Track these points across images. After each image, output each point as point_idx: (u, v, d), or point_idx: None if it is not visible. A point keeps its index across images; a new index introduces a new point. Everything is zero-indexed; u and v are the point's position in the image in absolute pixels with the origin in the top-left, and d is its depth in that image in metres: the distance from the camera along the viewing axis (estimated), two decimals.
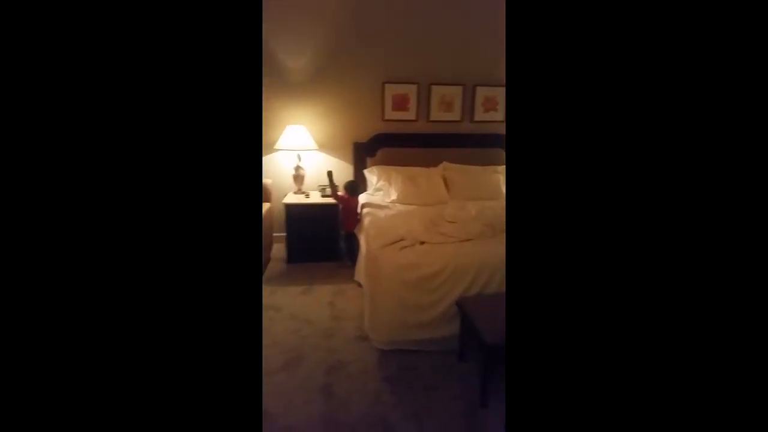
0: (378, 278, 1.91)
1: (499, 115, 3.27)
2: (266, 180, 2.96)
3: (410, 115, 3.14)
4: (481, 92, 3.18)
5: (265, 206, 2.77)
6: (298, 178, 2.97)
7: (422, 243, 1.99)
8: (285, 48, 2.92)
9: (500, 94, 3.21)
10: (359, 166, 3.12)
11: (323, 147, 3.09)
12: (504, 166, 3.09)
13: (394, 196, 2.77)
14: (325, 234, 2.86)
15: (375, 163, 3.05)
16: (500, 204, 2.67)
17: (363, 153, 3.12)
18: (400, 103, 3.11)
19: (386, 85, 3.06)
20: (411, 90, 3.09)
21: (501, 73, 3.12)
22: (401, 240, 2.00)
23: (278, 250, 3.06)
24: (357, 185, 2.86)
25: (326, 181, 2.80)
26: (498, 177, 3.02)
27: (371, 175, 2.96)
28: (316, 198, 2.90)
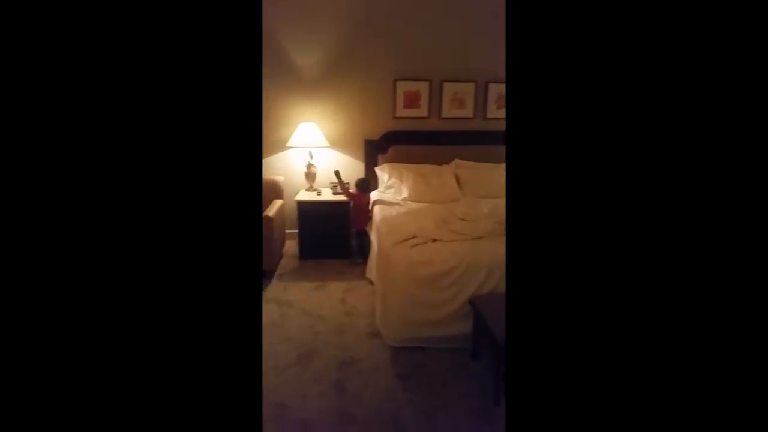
0: (390, 275, 1.92)
1: None
2: (278, 177, 2.98)
3: (422, 112, 3.13)
4: (494, 89, 3.15)
5: (278, 203, 2.80)
6: (310, 175, 2.99)
7: (434, 240, 1.99)
8: (297, 46, 2.93)
9: None
10: (370, 163, 3.13)
11: (334, 144, 3.10)
12: None
13: (405, 193, 2.77)
14: (337, 231, 2.87)
15: (386, 161, 3.05)
16: None
17: (374, 150, 3.12)
18: (412, 101, 3.10)
19: (398, 82, 3.05)
20: (423, 87, 3.08)
21: None
22: (413, 237, 2.00)
23: (290, 246, 3.09)
24: (368, 182, 2.86)
25: (339, 172, 2.81)
26: None
27: (382, 173, 2.96)
28: (327, 195, 2.91)
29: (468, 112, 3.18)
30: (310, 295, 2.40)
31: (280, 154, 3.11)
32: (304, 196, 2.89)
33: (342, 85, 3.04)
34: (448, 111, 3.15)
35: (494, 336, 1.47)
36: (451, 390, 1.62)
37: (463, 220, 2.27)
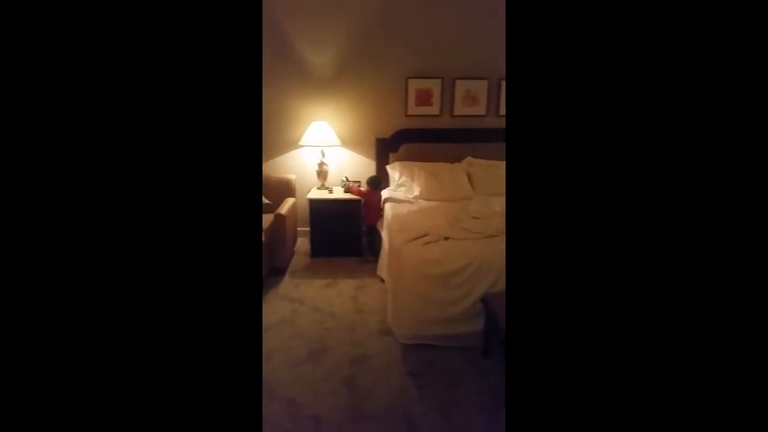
0: (401, 273, 1.92)
1: None
2: (291, 175, 3.01)
3: (434, 110, 3.11)
4: None
5: (290, 201, 2.83)
6: (322, 173, 3.01)
7: (446, 239, 1.98)
8: (310, 45, 2.95)
9: None
10: (381, 162, 3.13)
11: (346, 143, 3.11)
12: None
13: (416, 191, 2.76)
14: (348, 229, 2.88)
15: (397, 159, 3.05)
16: None
17: (385, 149, 3.12)
18: (424, 98, 3.09)
19: (409, 80, 3.04)
20: (435, 85, 3.06)
21: None
22: (425, 235, 2.00)
23: (302, 243, 3.12)
24: (379, 180, 2.87)
25: (349, 178, 2.83)
26: None
27: (393, 171, 2.96)
28: (339, 193, 2.93)
29: (480, 109, 3.15)
30: (321, 292, 2.41)
31: (292, 152, 3.13)
32: (316, 194, 2.91)
33: (354, 83, 3.05)
34: (460, 108, 3.13)
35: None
36: (463, 388, 1.61)
37: (476, 218, 2.25)
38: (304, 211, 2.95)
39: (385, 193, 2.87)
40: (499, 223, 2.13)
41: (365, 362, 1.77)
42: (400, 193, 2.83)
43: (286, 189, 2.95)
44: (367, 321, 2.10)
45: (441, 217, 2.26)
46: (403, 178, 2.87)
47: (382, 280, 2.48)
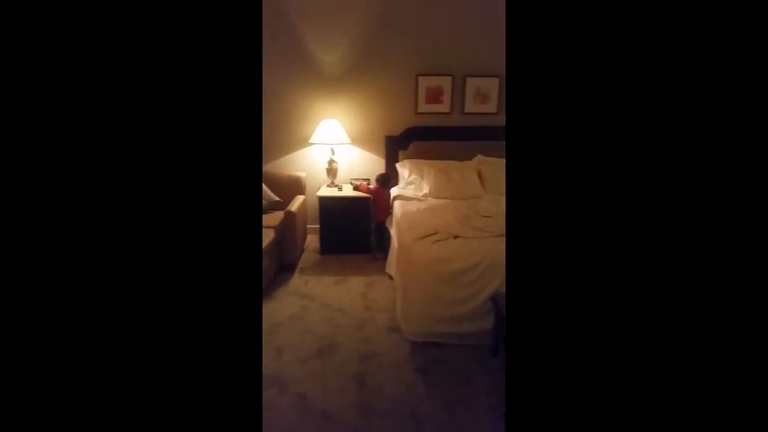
0: (411, 271, 1.92)
1: None
2: (301, 173, 3.04)
3: (444, 107, 3.10)
4: None
5: (300, 199, 2.85)
6: (331, 171, 3.03)
7: (456, 237, 1.98)
8: (320, 43, 2.97)
9: None
10: (391, 159, 3.13)
11: (356, 141, 3.12)
12: None
13: (426, 189, 2.76)
14: (357, 227, 2.90)
15: (407, 157, 3.05)
16: None
17: (395, 147, 3.12)
18: (434, 96, 3.07)
19: (420, 78, 3.03)
20: (445, 82, 3.05)
21: None
22: (434, 233, 2.00)
23: (312, 241, 3.15)
24: (389, 177, 2.87)
25: (358, 176, 2.84)
26: None
27: (403, 169, 2.96)
28: (348, 191, 2.94)
29: (491, 107, 3.13)
30: (330, 289, 2.43)
31: (302, 150, 3.16)
32: (326, 191, 2.93)
33: (364, 81, 3.05)
34: (471, 106, 3.11)
35: None
36: (471, 386, 1.61)
37: (486, 216, 2.24)
38: (314, 208, 2.97)
39: (394, 191, 2.87)
40: None
41: (374, 359, 1.79)
42: (409, 191, 2.83)
43: (296, 186, 2.97)
44: (376, 318, 2.11)
45: (450, 216, 2.26)
46: (413, 176, 2.87)
47: (391, 278, 2.49)
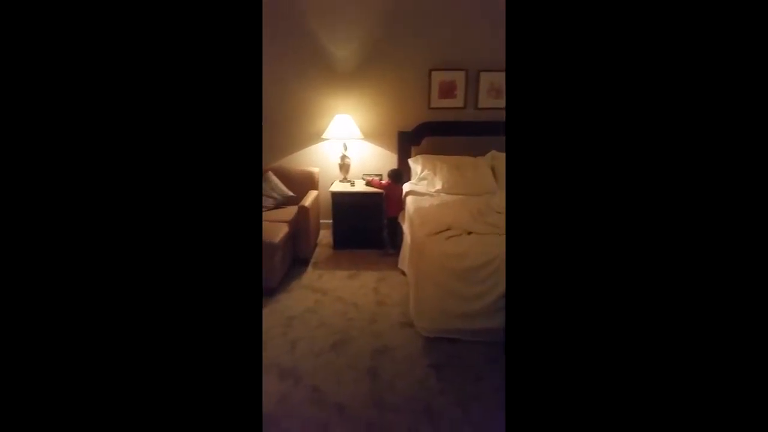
0: (424, 266, 1.92)
1: None
2: (314, 168, 3.05)
3: (458, 102, 3.07)
4: None
5: (313, 194, 2.87)
6: (344, 166, 3.04)
7: (470, 233, 1.97)
8: (333, 38, 2.96)
9: None
10: (403, 155, 3.12)
11: (368, 136, 3.12)
12: None
13: (439, 185, 2.74)
14: (370, 222, 2.91)
15: (420, 152, 3.03)
16: None
17: (407, 142, 3.11)
18: (447, 91, 3.05)
19: (433, 72, 3.01)
20: (459, 77, 3.01)
21: None
22: (448, 229, 1.99)
23: (324, 236, 3.17)
24: (401, 173, 2.87)
25: (370, 172, 2.86)
26: None
27: (415, 165, 2.95)
28: (360, 186, 2.95)
29: (505, 102, 3.08)
30: (343, 283, 2.45)
31: (315, 146, 3.17)
32: (338, 187, 2.94)
33: (377, 76, 3.04)
34: (485, 101, 3.07)
35: None
36: (485, 383, 1.61)
37: (500, 213, 2.22)
38: (327, 203, 2.99)
39: (406, 187, 2.86)
40: None
41: (387, 353, 1.80)
42: (421, 187, 2.82)
43: (309, 182, 2.99)
44: (389, 313, 2.12)
45: (464, 211, 2.24)
46: (426, 172, 2.85)
47: (404, 273, 2.50)
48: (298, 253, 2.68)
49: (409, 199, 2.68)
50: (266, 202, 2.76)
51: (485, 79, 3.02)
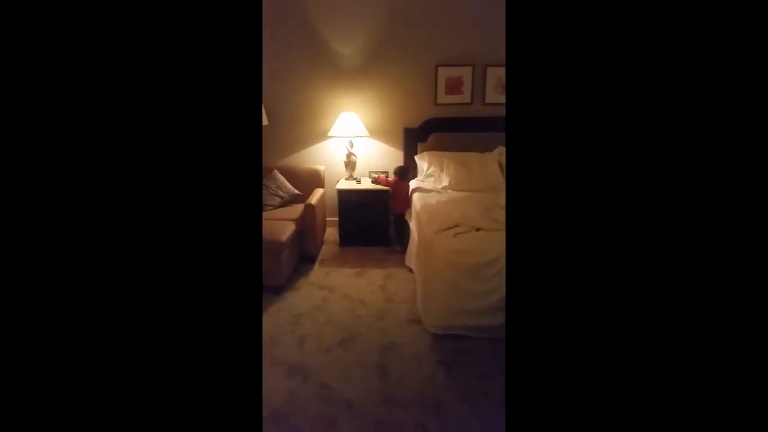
0: (432, 263, 1.92)
1: None
2: (320, 166, 3.06)
3: (464, 98, 3.05)
4: None
5: (319, 192, 2.88)
6: (350, 164, 3.04)
7: (478, 230, 1.95)
8: (338, 35, 2.95)
9: None
10: (409, 152, 3.11)
11: (374, 133, 3.11)
12: None
13: (445, 182, 2.73)
14: (376, 219, 2.91)
15: (426, 149, 3.02)
16: None
17: (413, 139, 3.10)
18: (454, 87, 3.02)
19: (439, 68, 2.99)
20: (465, 72, 2.99)
21: None
22: (456, 226, 1.98)
23: (330, 233, 3.18)
24: (407, 170, 2.86)
25: (376, 169, 2.85)
26: None
27: (422, 161, 2.93)
28: (366, 184, 2.94)
29: None
30: (350, 280, 2.46)
31: (321, 144, 3.18)
32: (344, 184, 2.94)
33: (382, 73, 3.03)
34: (492, 97, 3.04)
35: None
36: (492, 379, 1.60)
37: None
38: (333, 201, 2.99)
39: (413, 184, 2.85)
40: None
41: (395, 350, 1.80)
42: (428, 183, 2.81)
43: (315, 179, 3.00)
44: (397, 310, 2.12)
45: (471, 208, 2.23)
46: (432, 168, 2.84)
47: (411, 270, 2.49)
48: (304, 251, 2.69)
49: (415, 196, 2.67)
50: (273, 200, 2.77)
51: (492, 74, 2.99)
